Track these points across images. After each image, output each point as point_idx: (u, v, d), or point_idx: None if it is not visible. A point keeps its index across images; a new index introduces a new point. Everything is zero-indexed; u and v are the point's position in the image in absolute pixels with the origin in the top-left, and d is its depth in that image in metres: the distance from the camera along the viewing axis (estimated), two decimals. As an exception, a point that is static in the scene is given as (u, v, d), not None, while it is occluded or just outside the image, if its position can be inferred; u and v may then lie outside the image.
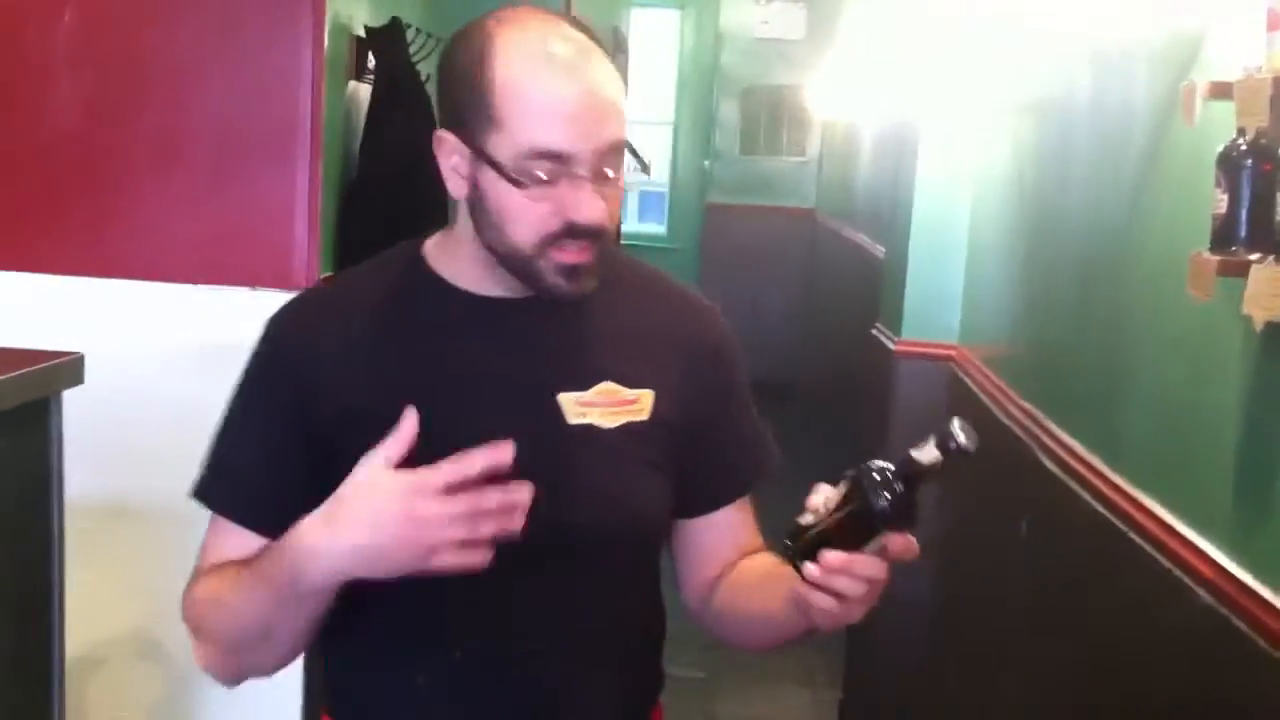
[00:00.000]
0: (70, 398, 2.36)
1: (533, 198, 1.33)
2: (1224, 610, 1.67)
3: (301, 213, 2.89)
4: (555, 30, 1.35)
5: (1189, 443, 1.90)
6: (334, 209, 3.13)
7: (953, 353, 3.69)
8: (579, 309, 1.43)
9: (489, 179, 1.35)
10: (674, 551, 1.57)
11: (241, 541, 1.43)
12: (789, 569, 1.33)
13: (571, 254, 1.36)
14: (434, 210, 3.51)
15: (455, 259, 1.45)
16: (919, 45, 3.83)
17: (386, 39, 3.41)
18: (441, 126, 1.40)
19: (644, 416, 1.45)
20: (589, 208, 1.34)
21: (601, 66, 1.35)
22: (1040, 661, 2.55)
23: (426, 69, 3.50)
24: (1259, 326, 1.55)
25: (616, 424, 1.43)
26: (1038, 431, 2.71)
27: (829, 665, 4.22)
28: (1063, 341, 2.68)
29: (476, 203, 1.38)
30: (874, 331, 4.10)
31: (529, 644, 1.44)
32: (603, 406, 1.42)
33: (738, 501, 1.56)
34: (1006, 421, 2.98)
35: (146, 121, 2.92)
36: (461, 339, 1.43)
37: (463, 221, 1.43)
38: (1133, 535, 2.03)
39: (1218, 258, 1.60)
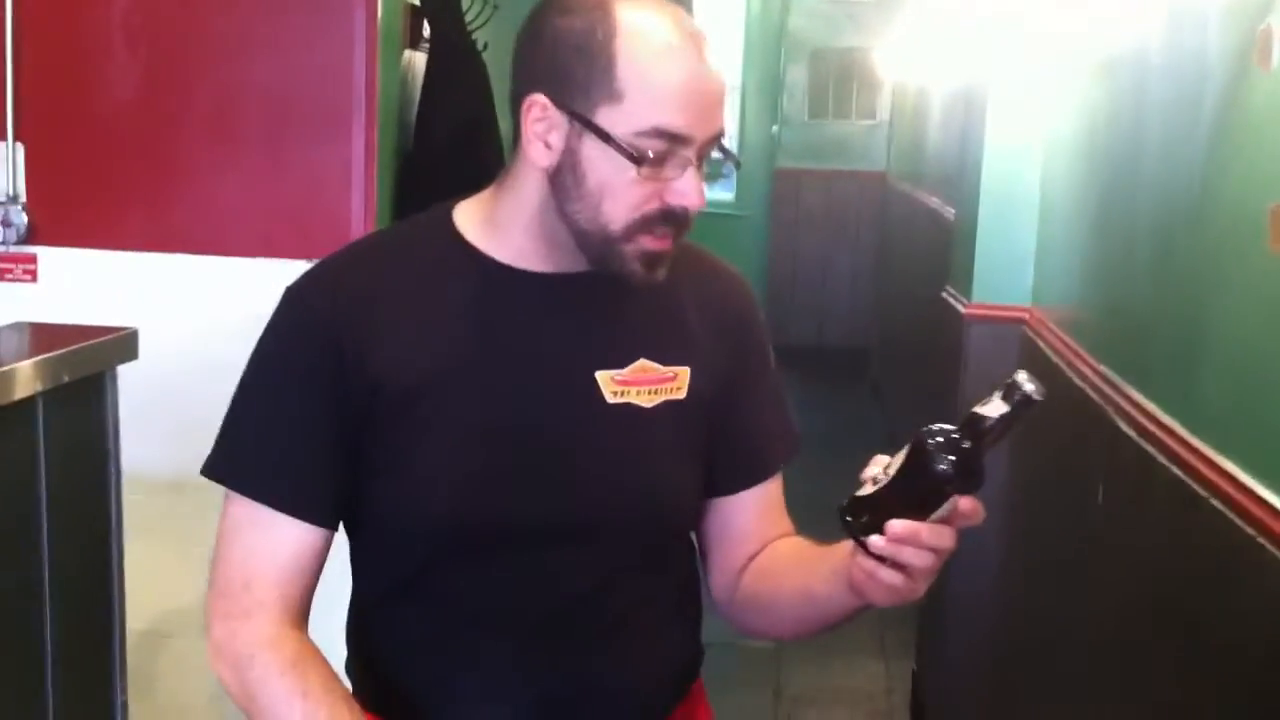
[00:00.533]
0: (129, 373, 2.36)
1: (645, 176, 1.31)
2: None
3: (358, 185, 2.87)
4: (676, 12, 1.34)
5: (1272, 404, 1.82)
6: (390, 181, 3.09)
7: (1025, 315, 3.60)
8: (617, 285, 1.39)
9: (594, 152, 1.31)
10: (701, 534, 1.54)
11: (280, 535, 1.36)
12: (828, 547, 1.30)
13: (658, 241, 1.34)
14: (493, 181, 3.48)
15: (499, 230, 1.40)
16: (988, 4, 3.73)
17: (442, 6, 3.36)
18: (528, 90, 1.34)
19: (681, 395, 1.42)
20: (695, 193, 1.32)
21: (713, 53, 1.35)
22: (1115, 630, 2.47)
23: (484, 37, 3.45)
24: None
25: (655, 403, 1.40)
26: (1113, 395, 2.63)
27: (901, 636, 4.15)
28: (1138, 302, 2.59)
29: (566, 174, 1.33)
30: (944, 295, 4.02)
31: (567, 621, 1.41)
32: (640, 385, 1.40)
33: (767, 481, 1.53)
34: (1081, 384, 2.89)
35: (201, 96, 2.90)
36: (498, 314, 1.39)
37: (526, 191, 1.38)
38: (1214, 501, 1.95)
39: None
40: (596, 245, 1.34)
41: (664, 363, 1.41)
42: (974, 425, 1.20)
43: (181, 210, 2.90)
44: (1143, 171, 2.60)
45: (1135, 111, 2.68)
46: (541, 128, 1.33)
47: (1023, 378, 1.18)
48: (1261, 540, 1.72)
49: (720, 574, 1.53)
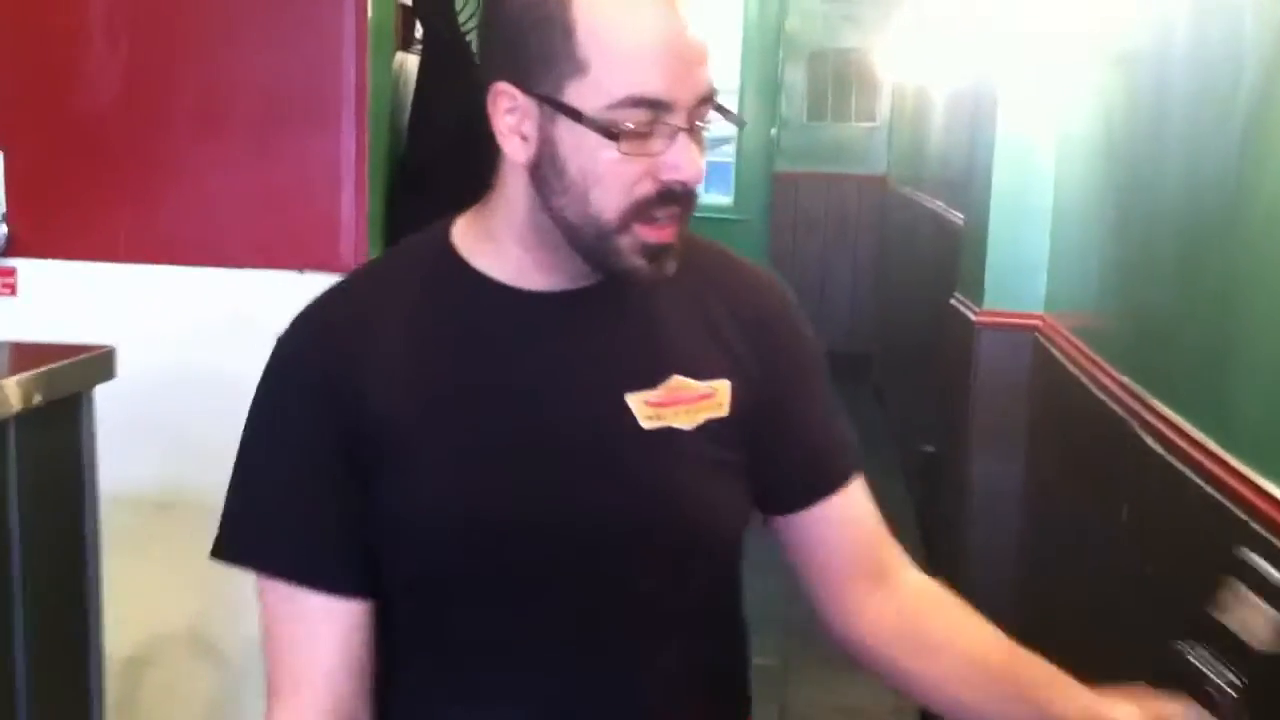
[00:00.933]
0: (114, 387, 2.26)
1: (627, 153, 1.15)
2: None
3: (348, 191, 2.75)
4: None
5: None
6: (383, 187, 2.98)
7: (1038, 322, 3.51)
8: (634, 295, 1.25)
9: (569, 135, 1.16)
10: (791, 560, 1.38)
11: (319, 620, 1.24)
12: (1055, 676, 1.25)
13: (658, 230, 1.18)
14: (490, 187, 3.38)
15: (495, 245, 1.26)
16: (994, 1, 3.64)
17: (434, 7, 3.25)
18: (494, 79, 1.19)
19: (724, 411, 1.27)
20: (689, 164, 1.16)
21: (689, 4, 1.17)
22: (1140, 660, 2.36)
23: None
24: None
25: (696, 424, 1.26)
26: (1137, 407, 2.53)
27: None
28: (1164, 309, 2.48)
29: (545, 167, 1.18)
30: (953, 301, 3.92)
31: (607, 660, 1.27)
32: (676, 405, 1.25)
33: (834, 495, 1.36)
34: (1101, 396, 2.79)
35: (183, 98, 2.79)
36: (508, 341, 1.25)
37: (512, 195, 1.23)
38: (1253, 524, 1.84)
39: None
40: (590, 242, 1.19)
41: (700, 377, 1.27)
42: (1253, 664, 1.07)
43: (167, 219, 2.78)
44: (1167, 171, 2.49)
45: (1157, 107, 2.57)
46: (513, 119, 1.19)
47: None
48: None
49: (827, 601, 1.38)
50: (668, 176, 1.16)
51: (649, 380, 1.25)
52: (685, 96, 1.15)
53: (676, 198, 1.18)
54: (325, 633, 1.24)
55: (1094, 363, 2.91)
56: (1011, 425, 3.52)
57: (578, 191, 1.17)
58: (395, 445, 1.21)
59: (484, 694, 1.26)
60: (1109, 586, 2.67)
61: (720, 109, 1.21)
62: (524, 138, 1.19)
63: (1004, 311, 3.57)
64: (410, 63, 3.25)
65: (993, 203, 3.55)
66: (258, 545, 1.25)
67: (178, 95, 2.78)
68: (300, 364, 1.26)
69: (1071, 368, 3.07)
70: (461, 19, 3.35)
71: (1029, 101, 3.49)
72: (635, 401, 1.23)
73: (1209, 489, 2.03)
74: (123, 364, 2.29)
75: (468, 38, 3.33)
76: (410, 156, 3.17)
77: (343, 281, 1.34)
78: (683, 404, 1.25)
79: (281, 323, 2.71)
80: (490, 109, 1.20)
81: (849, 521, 1.37)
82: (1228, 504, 1.95)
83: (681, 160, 1.16)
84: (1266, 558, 1.76)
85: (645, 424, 1.23)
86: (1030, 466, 3.48)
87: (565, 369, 1.24)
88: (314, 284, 2.68)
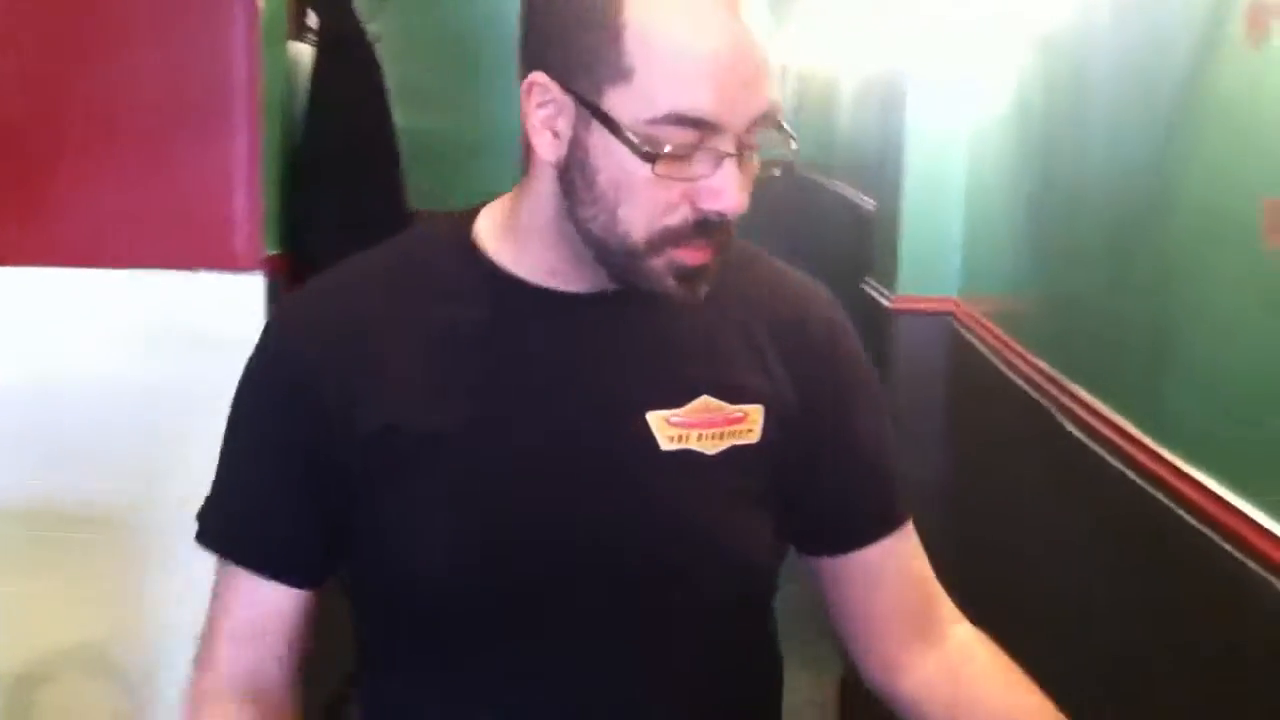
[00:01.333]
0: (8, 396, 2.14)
1: (663, 175, 1.02)
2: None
3: (241, 187, 2.64)
4: None
5: (1259, 406, 1.66)
6: (279, 181, 2.87)
7: (953, 307, 3.47)
8: (669, 304, 1.11)
9: (602, 145, 1.03)
10: (828, 601, 1.27)
11: (264, 595, 1.20)
12: None
13: (695, 253, 1.06)
14: (392, 181, 3.27)
15: (520, 241, 1.14)
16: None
17: (330, -6, 3.14)
18: (530, 68, 1.07)
19: (754, 439, 1.15)
20: (732, 195, 1.03)
21: (755, 11, 1.03)
22: (1058, 648, 2.33)
23: (376, 28, 3.24)
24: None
25: (720, 449, 1.14)
26: (1056, 392, 2.49)
27: (830, 646, 4.00)
28: (1087, 295, 2.44)
29: (575, 171, 1.06)
30: (865, 287, 3.88)
31: (611, 690, 1.15)
32: (702, 428, 1.13)
33: (890, 538, 1.24)
34: (1019, 381, 2.76)
35: (69, 99, 2.66)
36: (528, 344, 1.13)
37: (544, 191, 1.10)
38: (1180, 510, 1.80)
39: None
40: (618, 259, 1.07)
41: (732, 401, 1.15)
42: None
43: (52, 221, 2.66)
44: (1089, 155, 2.45)
45: (1076, 90, 2.53)
46: (546, 113, 1.06)
47: None
48: (1253, 565, 1.57)
49: (865, 654, 1.27)
50: (706, 205, 1.04)
51: (675, 399, 1.13)
52: (739, 117, 1.03)
53: (712, 229, 1.05)
54: (262, 609, 1.21)
55: (1009, 347, 2.88)
56: (929, 410, 3.49)
57: (606, 204, 1.05)
58: (397, 453, 1.11)
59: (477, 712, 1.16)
60: (1031, 572, 2.64)
61: (780, 128, 1.08)
62: (556, 135, 1.07)
63: (919, 296, 3.53)
64: (304, 53, 3.13)
65: (905, 187, 3.51)
66: (224, 531, 1.22)
67: (66, 95, 2.65)
68: (282, 354, 1.17)
69: (987, 353, 3.04)
70: (359, 7, 3.25)
71: (941, 85, 3.45)
72: (656, 420, 1.12)
73: (1133, 475, 1.99)
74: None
75: (362, 25, 3.23)
76: (306, 148, 3.06)
77: (350, 261, 1.21)
78: (709, 426, 1.14)
79: (174, 323, 2.58)
80: (523, 99, 1.07)
81: (892, 572, 1.25)
82: (1153, 491, 1.91)
83: (725, 189, 1.03)
84: (1191, 547, 1.72)
85: (665, 445, 1.12)
86: (949, 451, 3.45)
87: (586, 379, 1.13)
88: (207, 284, 2.61)
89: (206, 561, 1.26)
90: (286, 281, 2.62)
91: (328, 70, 3.06)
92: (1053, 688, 1.19)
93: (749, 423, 1.15)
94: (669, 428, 1.12)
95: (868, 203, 4.61)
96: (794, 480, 1.19)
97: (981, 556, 3.08)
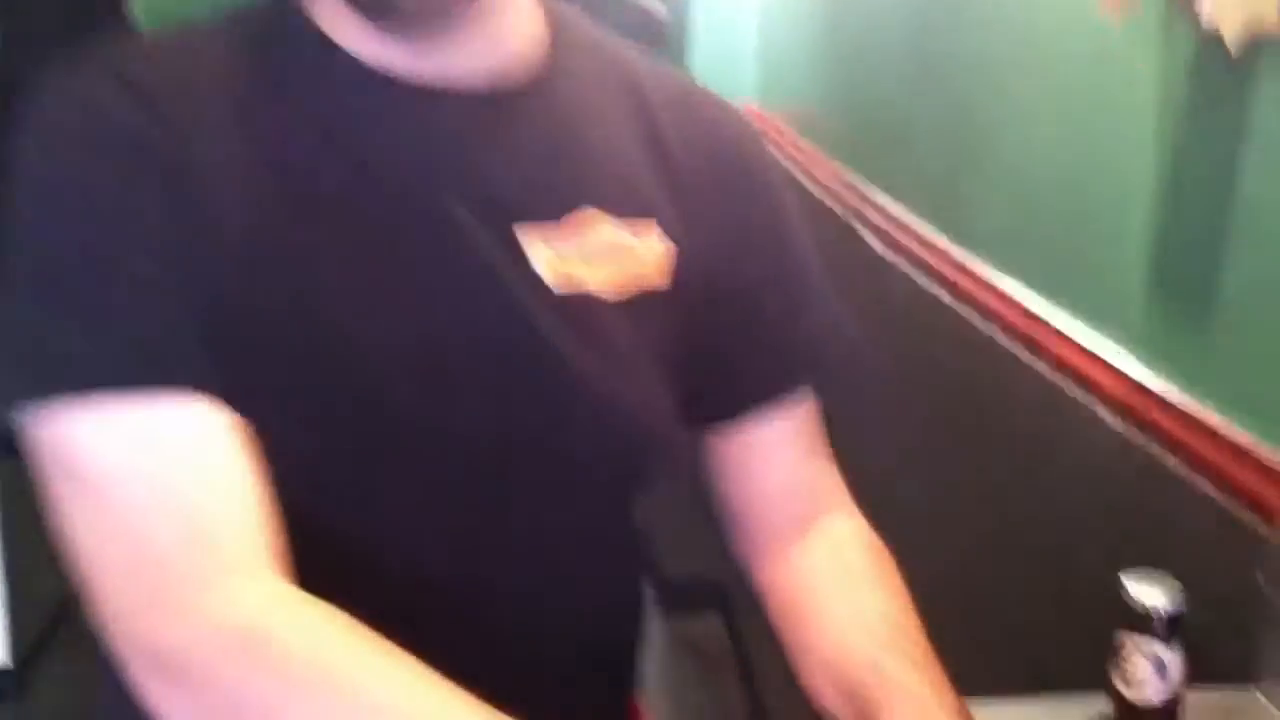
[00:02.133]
0: None
1: None
2: (1135, 431, 1.41)
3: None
4: None
5: (1083, 218, 1.62)
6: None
7: (749, 115, 3.40)
8: (543, 104, 0.93)
9: None
10: (709, 485, 1.07)
11: (212, 424, 0.81)
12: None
13: None
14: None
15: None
16: None
17: None
18: None
19: (662, 284, 0.94)
20: None
21: None
22: (874, 456, 2.32)
23: None
24: (1234, 45, 1.20)
25: (623, 295, 0.92)
26: (855, 201, 2.44)
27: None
28: (892, 99, 2.38)
29: None
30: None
31: (491, 586, 0.94)
32: (588, 254, 0.91)
33: (784, 409, 1.03)
34: (819, 192, 2.71)
35: None
36: (363, 138, 0.89)
37: None
38: (977, 322, 1.78)
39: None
40: None
41: (622, 215, 0.93)
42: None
43: None
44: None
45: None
46: None
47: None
48: (1077, 390, 1.54)
49: (740, 544, 1.07)
50: None
51: (550, 209, 0.91)
52: None
53: None
54: (209, 460, 0.82)
55: (811, 158, 2.83)
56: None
57: None
58: (226, 251, 0.85)
59: (348, 557, 0.89)
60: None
61: None
62: None
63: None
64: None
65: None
66: (90, 359, 0.81)
67: None
68: (104, 120, 0.86)
69: (789, 165, 2.98)
70: None
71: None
72: (530, 238, 0.90)
73: (936, 288, 1.95)
74: None
75: None
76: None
77: (133, 44, 0.94)
78: (599, 256, 0.92)
79: None
80: None
81: (775, 448, 1.04)
82: (954, 304, 1.88)
83: None
84: (999, 356, 1.70)
85: (554, 283, 0.89)
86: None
87: (437, 187, 0.89)
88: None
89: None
90: None
91: None
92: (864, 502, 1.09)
93: (650, 259, 0.94)
94: (546, 250, 0.90)
95: (657, 6, 4.47)
96: (695, 334, 0.98)
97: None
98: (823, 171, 2.71)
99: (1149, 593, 0.85)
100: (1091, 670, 0.99)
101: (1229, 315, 1.28)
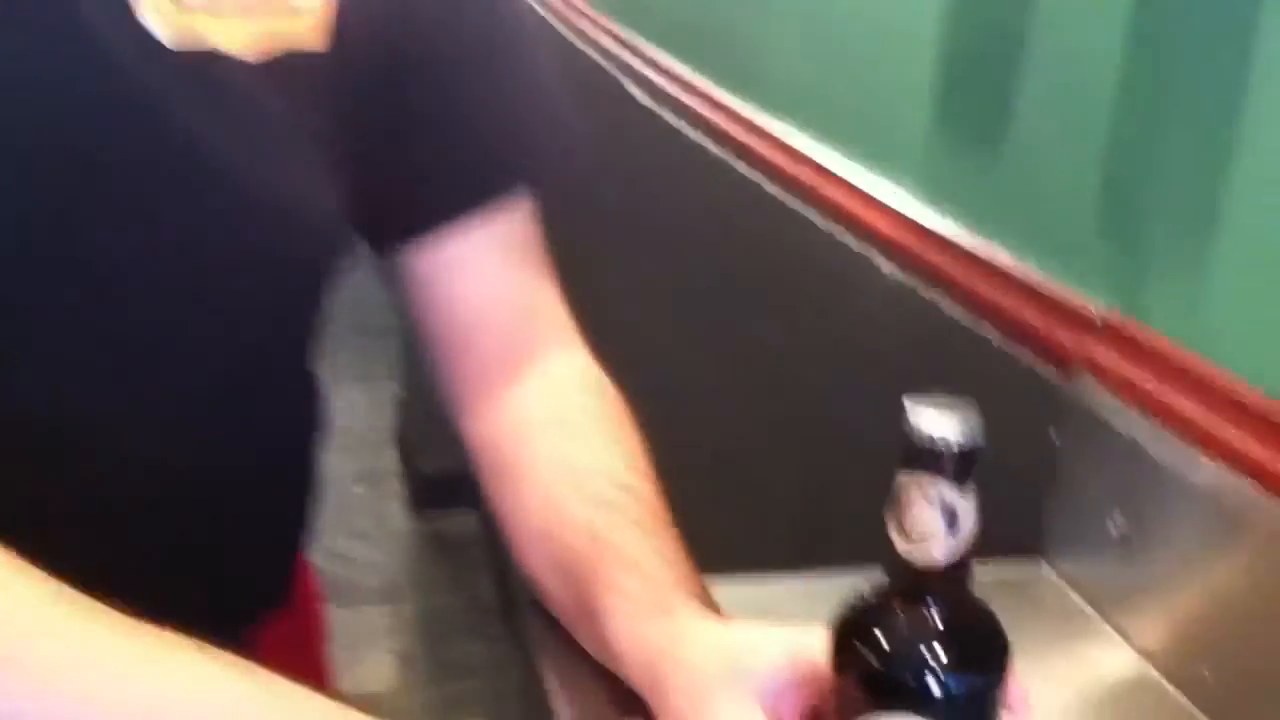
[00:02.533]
0: None
1: None
2: (914, 277, 1.28)
3: None
4: None
5: (864, 54, 1.49)
6: None
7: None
8: None
9: None
10: (414, 316, 0.89)
11: None
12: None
13: None
14: None
15: None
16: None
17: None
18: None
19: (315, 44, 0.73)
20: None
21: None
22: (661, 326, 2.19)
23: None
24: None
25: (260, 52, 0.71)
26: (628, 56, 2.28)
27: (390, 362, 3.69)
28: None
29: None
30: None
31: (91, 427, 0.74)
32: (229, 12, 0.70)
33: (489, 217, 0.86)
34: (581, 45, 2.53)
35: None
36: None
37: None
38: (761, 179, 1.64)
39: None
40: None
41: None
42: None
43: None
44: None
45: None
46: None
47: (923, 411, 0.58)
48: (839, 226, 1.41)
49: (450, 389, 0.88)
50: None
51: None
52: None
53: None
54: None
55: (571, 6, 2.66)
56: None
57: None
58: None
59: None
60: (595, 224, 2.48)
61: None
62: None
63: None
64: None
65: None
66: None
67: None
68: None
69: (546, 14, 2.80)
70: None
71: None
72: None
73: (721, 150, 1.80)
74: None
75: None
76: None
77: None
78: (231, 2, 0.70)
79: None
80: None
81: (481, 269, 0.87)
82: (727, 157, 1.74)
83: None
84: (773, 210, 1.57)
85: (168, 38, 0.69)
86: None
87: None
88: None
89: None
90: None
91: None
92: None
93: (309, 14, 0.73)
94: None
95: None
96: (370, 119, 0.80)
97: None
98: (582, 18, 2.55)
99: (938, 421, 0.59)
100: (871, 548, 0.83)
101: (1018, 145, 1.15)
